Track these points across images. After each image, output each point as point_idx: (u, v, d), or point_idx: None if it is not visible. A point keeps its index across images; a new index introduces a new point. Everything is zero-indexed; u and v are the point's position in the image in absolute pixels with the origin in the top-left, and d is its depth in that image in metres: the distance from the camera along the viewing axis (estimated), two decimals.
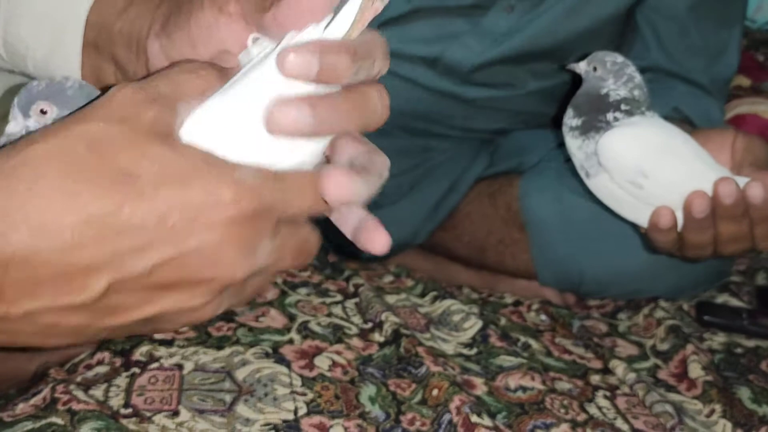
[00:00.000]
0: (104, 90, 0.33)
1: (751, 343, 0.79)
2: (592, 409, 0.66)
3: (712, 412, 0.67)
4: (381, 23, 0.94)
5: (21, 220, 0.28)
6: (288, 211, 0.31)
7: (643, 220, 0.63)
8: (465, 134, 0.96)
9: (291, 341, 0.67)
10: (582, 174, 0.65)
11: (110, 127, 0.29)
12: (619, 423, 0.65)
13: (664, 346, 0.77)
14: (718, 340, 0.79)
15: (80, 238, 0.28)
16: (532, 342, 0.76)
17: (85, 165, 0.29)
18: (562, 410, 0.65)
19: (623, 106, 0.62)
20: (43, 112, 0.36)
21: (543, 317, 0.82)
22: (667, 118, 0.76)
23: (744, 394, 0.70)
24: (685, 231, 0.61)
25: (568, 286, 0.90)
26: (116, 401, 0.56)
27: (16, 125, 0.36)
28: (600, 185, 0.64)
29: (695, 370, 0.72)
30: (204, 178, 0.29)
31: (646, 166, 0.60)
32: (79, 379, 0.58)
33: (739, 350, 0.78)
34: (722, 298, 0.87)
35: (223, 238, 0.30)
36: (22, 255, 0.28)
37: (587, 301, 0.89)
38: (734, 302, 0.86)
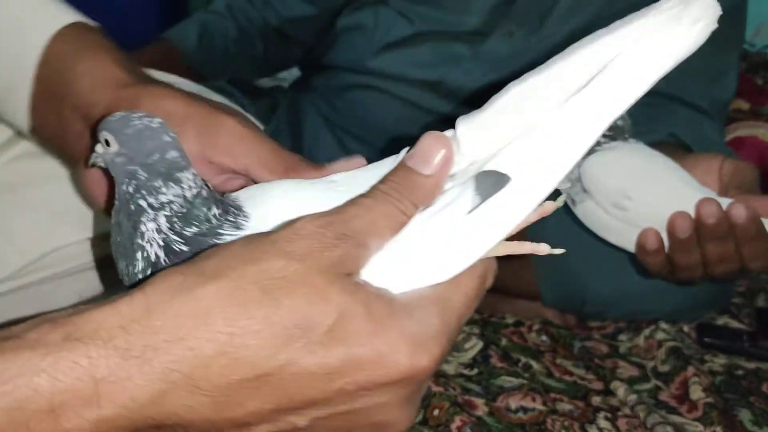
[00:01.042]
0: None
1: (751, 365, 0.79)
2: (593, 431, 0.66)
3: None
4: (383, 46, 0.95)
5: (183, 381, 0.25)
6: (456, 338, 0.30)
7: (630, 244, 0.64)
8: None
9: None
10: (568, 202, 0.66)
11: (289, 265, 0.27)
12: None
13: (665, 368, 0.77)
14: (718, 361, 0.79)
15: (241, 395, 0.26)
16: (533, 363, 0.76)
17: (257, 312, 0.26)
18: (563, 431, 0.65)
19: (606, 132, 0.63)
20: (107, 143, 0.35)
21: (544, 338, 0.82)
22: (663, 143, 0.77)
23: (745, 416, 0.70)
24: (672, 252, 0.62)
25: (571, 307, 0.90)
26: None
27: (99, 148, 0.36)
28: (586, 212, 0.64)
29: (696, 392, 0.72)
30: (380, 338, 0.27)
31: (629, 188, 0.61)
32: None
33: (740, 372, 0.78)
34: (722, 320, 0.87)
35: (391, 401, 0.28)
36: (179, 416, 0.26)
37: (588, 322, 0.89)
38: (734, 324, 0.87)
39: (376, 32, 0.96)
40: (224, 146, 0.38)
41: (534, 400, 0.69)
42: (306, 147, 1.00)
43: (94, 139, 0.36)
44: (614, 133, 0.63)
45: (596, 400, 0.71)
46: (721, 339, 0.83)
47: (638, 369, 0.78)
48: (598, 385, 0.74)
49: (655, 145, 0.73)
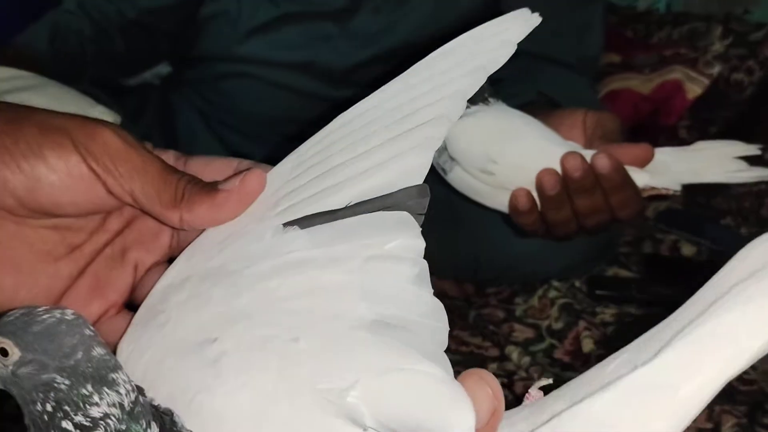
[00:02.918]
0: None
1: (641, 312, 0.81)
2: None
3: None
4: (250, 31, 0.92)
5: None
6: None
7: (504, 207, 0.63)
8: None
9: None
10: (440, 172, 0.65)
11: None
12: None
13: (558, 325, 0.78)
14: (609, 312, 0.81)
15: None
16: None
17: None
18: None
19: None
20: (3, 352, 0.27)
21: None
22: (533, 102, 0.77)
23: None
24: (544, 210, 0.61)
25: (465, 275, 0.90)
26: None
27: None
28: (457, 179, 0.64)
29: (588, 345, 0.73)
30: None
31: (493, 152, 0.61)
32: None
33: (630, 320, 0.80)
34: (612, 271, 0.88)
35: None
36: None
37: (485, 288, 0.89)
38: (624, 273, 0.88)
39: (241, 17, 0.92)
40: (105, 165, 0.33)
41: None
42: (182, 145, 0.96)
43: None
44: (474, 97, 0.62)
45: (492, 367, 0.71)
46: (611, 290, 0.84)
47: (533, 330, 0.79)
48: (494, 352, 0.74)
49: (526, 105, 0.73)
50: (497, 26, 0.35)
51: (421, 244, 0.31)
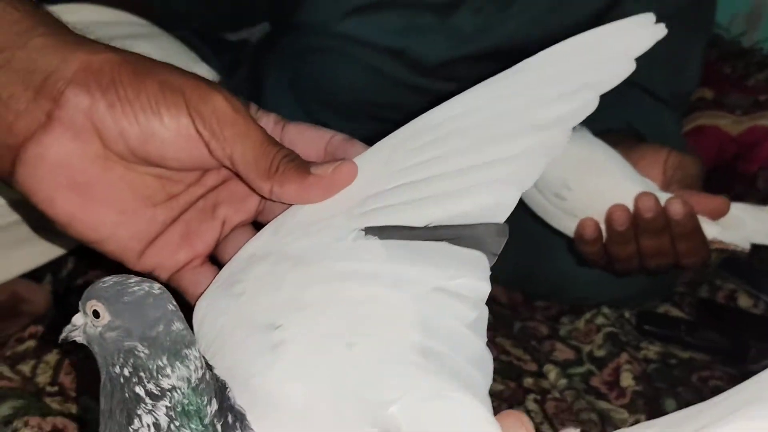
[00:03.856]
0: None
1: (686, 355, 0.81)
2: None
3: (637, 422, 0.68)
4: (352, 9, 0.93)
5: None
6: None
7: (570, 231, 0.64)
8: None
9: None
10: None
11: None
12: (545, 428, 0.66)
13: (600, 353, 0.79)
14: (654, 349, 0.81)
15: None
16: None
17: None
18: None
19: None
20: (96, 314, 0.30)
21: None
22: (618, 130, 0.77)
23: (670, 406, 0.71)
24: (609, 243, 0.62)
25: (516, 285, 0.91)
26: (43, 378, 0.56)
27: (78, 318, 0.31)
28: (529, 196, 0.65)
29: (626, 379, 0.73)
30: None
31: (570, 179, 0.61)
32: (8, 353, 0.58)
33: (673, 361, 0.80)
34: (664, 308, 0.88)
35: None
36: None
37: (534, 301, 0.90)
38: (675, 312, 0.88)
39: None
40: (212, 127, 0.36)
41: None
42: (266, 108, 0.99)
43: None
44: None
45: (528, 381, 0.72)
46: (660, 327, 0.84)
47: (575, 352, 0.80)
48: (532, 367, 0.75)
49: (610, 131, 0.73)
50: (614, 33, 0.32)
51: (486, 288, 0.32)
